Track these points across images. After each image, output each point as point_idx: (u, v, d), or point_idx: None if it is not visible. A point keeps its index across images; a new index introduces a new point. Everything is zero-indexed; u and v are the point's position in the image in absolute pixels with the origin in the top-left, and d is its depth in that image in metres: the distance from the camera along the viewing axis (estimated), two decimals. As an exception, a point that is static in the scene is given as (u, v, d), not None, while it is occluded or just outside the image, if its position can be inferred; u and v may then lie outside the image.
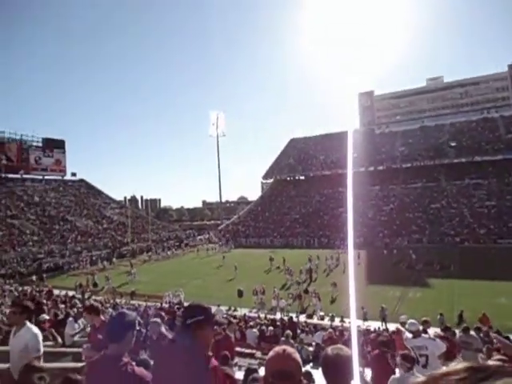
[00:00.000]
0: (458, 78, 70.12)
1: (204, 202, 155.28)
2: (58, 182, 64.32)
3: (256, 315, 19.17)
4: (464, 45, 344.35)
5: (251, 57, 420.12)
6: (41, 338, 3.70)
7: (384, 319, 17.61)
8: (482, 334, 8.84)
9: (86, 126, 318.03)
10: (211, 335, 2.14)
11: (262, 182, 79.21)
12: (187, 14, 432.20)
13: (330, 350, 1.91)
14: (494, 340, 8.68)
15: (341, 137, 61.34)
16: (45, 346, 5.59)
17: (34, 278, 31.67)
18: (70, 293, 24.01)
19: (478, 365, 0.57)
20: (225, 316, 16.47)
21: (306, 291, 22.32)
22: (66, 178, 66.07)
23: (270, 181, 73.97)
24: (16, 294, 20.29)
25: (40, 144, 62.21)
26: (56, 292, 22.80)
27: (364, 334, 13.34)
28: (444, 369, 0.60)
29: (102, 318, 4.84)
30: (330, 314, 18.70)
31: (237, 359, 7.52)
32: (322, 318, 19.17)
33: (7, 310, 10.23)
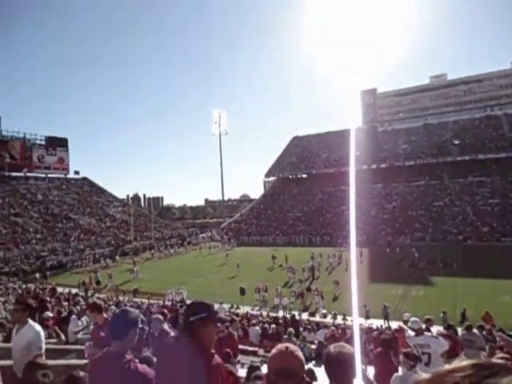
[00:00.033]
0: (461, 75, 69.86)
1: (206, 200, 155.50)
2: (61, 180, 64.50)
3: (258, 313, 19.20)
4: (468, 42, 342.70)
5: (253, 56, 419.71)
6: (43, 335, 3.72)
7: (386, 317, 17.59)
8: (484, 332, 8.82)
9: (88, 124, 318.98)
10: (214, 332, 2.14)
11: (264, 180, 79.13)
12: (189, 13, 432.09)
13: (332, 347, 1.91)
14: (497, 338, 8.67)
15: (343, 134, 61.19)
16: (48, 344, 5.63)
17: (37, 275, 31.83)
18: (74, 290, 24.16)
19: (484, 362, 0.56)
20: (227, 314, 16.51)
21: (309, 289, 22.34)
22: (69, 176, 66.25)
23: (273, 179, 73.87)
24: (20, 291, 20.38)
25: (43, 142, 62.33)
26: (59, 290, 22.88)
27: (366, 332, 13.35)
28: (449, 366, 0.59)
29: (105, 315, 4.86)
30: (333, 312, 18.73)
31: (239, 357, 7.55)
32: (325, 316, 19.19)
33: (11, 308, 10.28)
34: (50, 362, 3.23)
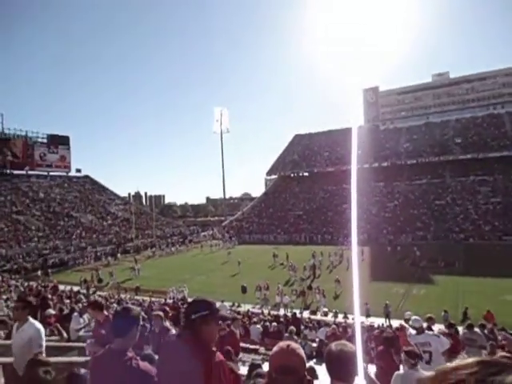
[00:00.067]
0: (464, 73, 69.57)
1: (208, 199, 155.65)
2: (63, 178, 64.62)
3: (259, 311, 19.22)
4: (470, 40, 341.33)
5: (254, 55, 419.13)
6: (43, 333, 3.73)
7: (388, 316, 17.60)
8: (486, 331, 8.81)
9: (90, 123, 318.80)
10: (216, 330, 2.14)
11: (265, 179, 79.19)
12: (190, 13, 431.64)
13: (333, 345, 1.91)
14: (499, 337, 8.66)
15: (345, 133, 61.08)
16: (51, 341, 5.64)
17: (39, 273, 31.93)
18: (75, 288, 24.22)
19: (489, 359, 0.56)
20: (229, 311, 16.53)
21: (310, 287, 22.34)
22: (70, 174, 66.42)
23: (274, 177, 73.85)
24: (22, 289, 20.47)
25: (45, 140, 62.41)
26: (61, 287, 22.98)
27: (368, 330, 13.35)
28: (454, 363, 0.59)
29: (106, 313, 4.87)
30: (334, 311, 18.74)
31: (240, 354, 7.56)
32: (326, 314, 19.20)
33: (13, 305, 10.30)
34: (51, 360, 3.24)
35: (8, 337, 5.60)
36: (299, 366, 1.59)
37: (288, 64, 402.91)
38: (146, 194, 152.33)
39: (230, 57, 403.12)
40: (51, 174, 63.07)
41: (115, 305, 15.60)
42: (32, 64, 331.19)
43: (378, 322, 16.65)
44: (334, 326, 12.96)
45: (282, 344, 1.66)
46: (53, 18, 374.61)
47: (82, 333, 6.55)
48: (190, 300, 15.77)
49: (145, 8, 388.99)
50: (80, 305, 11.22)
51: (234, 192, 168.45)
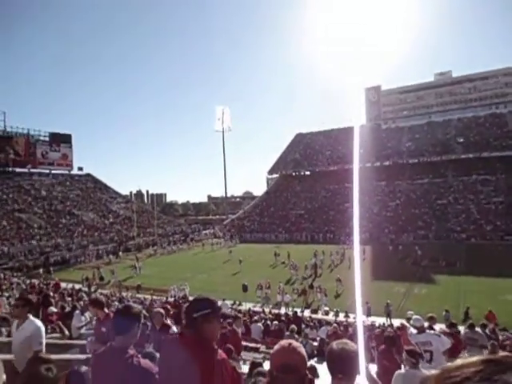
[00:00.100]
0: (466, 72, 69.24)
1: (209, 197, 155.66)
2: (65, 176, 64.74)
3: (261, 310, 19.24)
4: (473, 39, 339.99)
5: (256, 55, 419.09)
6: (43, 331, 3.74)
7: (389, 315, 17.60)
8: (487, 331, 8.80)
9: (92, 121, 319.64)
10: (218, 328, 2.14)
11: (267, 177, 79.12)
12: (191, 13, 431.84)
13: (335, 344, 1.91)
14: (501, 337, 8.65)
15: (347, 132, 61.05)
16: (52, 338, 5.66)
17: (41, 271, 32.01)
18: (77, 286, 24.29)
19: (494, 357, 0.55)
20: (230, 310, 16.55)
21: (311, 286, 22.34)
22: (72, 172, 66.53)
23: (276, 176, 73.81)
24: (24, 286, 20.55)
25: (47, 138, 62.53)
26: (63, 285, 23.04)
27: (369, 329, 13.35)
28: (459, 361, 0.58)
29: (106, 311, 4.88)
30: (335, 309, 18.74)
31: (241, 353, 7.57)
32: (327, 313, 19.20)
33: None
34: (53, 357, 3.24)
35: (10, 334, 5.62)
36: (300, 364, 1.59)
37: (289, 63, 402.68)
38: (147, 192, 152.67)
39: (231, 56, 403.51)
40: (53, 172, 63.20)
41: (117, 303, 15.65)
42: (33, 64, 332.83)
43: (379, 321, 16.65)
44: (335, 324, 12.97)
45: (284, 342, 1.67)
46: (53, 17, 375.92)
47: (83, 330, 6.57)
48: (191, 298, 15.79)
49: (145, 8, 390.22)
50: (82, 303, 11.25)
51: (236, 191, 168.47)
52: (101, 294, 21.10)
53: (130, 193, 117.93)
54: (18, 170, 58.50)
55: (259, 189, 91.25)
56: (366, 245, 33.30)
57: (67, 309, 9.44)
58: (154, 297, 21.67)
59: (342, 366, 1.79)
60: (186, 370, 1.89)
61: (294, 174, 72.04)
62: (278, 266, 31.71)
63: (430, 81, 72.22)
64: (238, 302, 21.40)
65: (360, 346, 1.80)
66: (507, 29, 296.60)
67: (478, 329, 8.32)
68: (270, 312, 18.31)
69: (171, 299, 20.41)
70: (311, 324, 15.29)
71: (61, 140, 64.20)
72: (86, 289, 23.73)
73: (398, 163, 61.28)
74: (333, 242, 39.69)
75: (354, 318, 15.91)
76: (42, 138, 61.86)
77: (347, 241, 35.29)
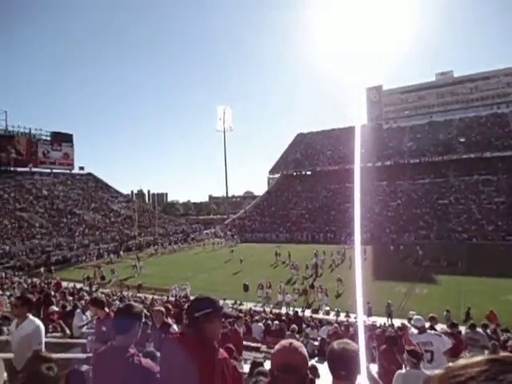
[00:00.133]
0: (467, 72, 69.09)
1: (210, 197, 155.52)
2: (66, 175, 64.85)
3: (261, 309, 19.24)
4: (474, 39, 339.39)
5: (257, 55, 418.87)
6: (43, 330, 3.74)
7: (390, 315, 17.58)
8: (489, 331, 8.80)
9: (93, 121, 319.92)
10: (219, 328, 2.14)
11: (268, 177, 79.13)
12: (192, 13, 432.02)
13: (336, 344, 1.90)
14: (502, 337, 8.64)
15: (348, 132, 60.90)
16: (54, 337, 5.67)
17: (42, 270, 32.07)
18: (78, 285, 24.33)
19: (499, 357, 0.55)
20: (230, 309, 16.55)
21: (312, 286, 22.33)
22: (73, 171, 66.67)
23: (277, 176, 73.77)
24: (25, 285, 20.56)
25: (48, 138, 62.66)
26: (64, 284, 23.07)
27: (370, 329, 13.34)
28: (464, 360, 0.57)
29: (107, 310, 4.89)
30: (336, 309, 18.72)
31: (242, 353, 7.56)
32: (328, 313, 19.19)
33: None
34: (54, 356, 3.25)
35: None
36: (301, 364, 1.59)
37: (290, 63, 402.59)
38: (148, 191, 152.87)
39: (232, 56, 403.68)
40: (54, 171, 63.32)
41: (118, 302, 15.67)
42: (33, 63, 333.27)
43: (380, 321, 16.63)
44: (335, 324, 12.95)
45: (285, 342, 1.66)
46: (53, 17, 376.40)
47: (84, 329, 6.58)
48: (192, 298, 15.81)
49: (145, 8, 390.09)
50: (83, 302, 11.27)
51: (237, 190, 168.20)
52: (102, 293, 21.14)
53: (131, 192, 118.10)
54: (19, 169, 58.63)
55: (260, 188, 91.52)
56: (367, 245, 33.31)
57: (68, 308, 9.45)
58: (155, 296, 21.70)
59: (343, 365, 1.79)
60: (187, 369, 1.89)
61: (294, 173, 72.00)
62: (278, 265, 31.70)
63: (431, 81, 72.06)
64: (238, 302, 21.41)
65: (361, 346, 1.80)
66: (508, 29, 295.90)
67: (479, 329, 8.31)
68: (270, 312, 18.30)
69: (172, 299, 20.41)
70: (312, 324, 15.28)
71: (62, 139, 64.31)
72: (87, 288, 23.78)
73: (399, 163, 61.20)
74: (334, 242, 39.65)
75: (355, 317, 15.89)
76: (43, 138, 62.03)
77: (348, 241, 35.29)
